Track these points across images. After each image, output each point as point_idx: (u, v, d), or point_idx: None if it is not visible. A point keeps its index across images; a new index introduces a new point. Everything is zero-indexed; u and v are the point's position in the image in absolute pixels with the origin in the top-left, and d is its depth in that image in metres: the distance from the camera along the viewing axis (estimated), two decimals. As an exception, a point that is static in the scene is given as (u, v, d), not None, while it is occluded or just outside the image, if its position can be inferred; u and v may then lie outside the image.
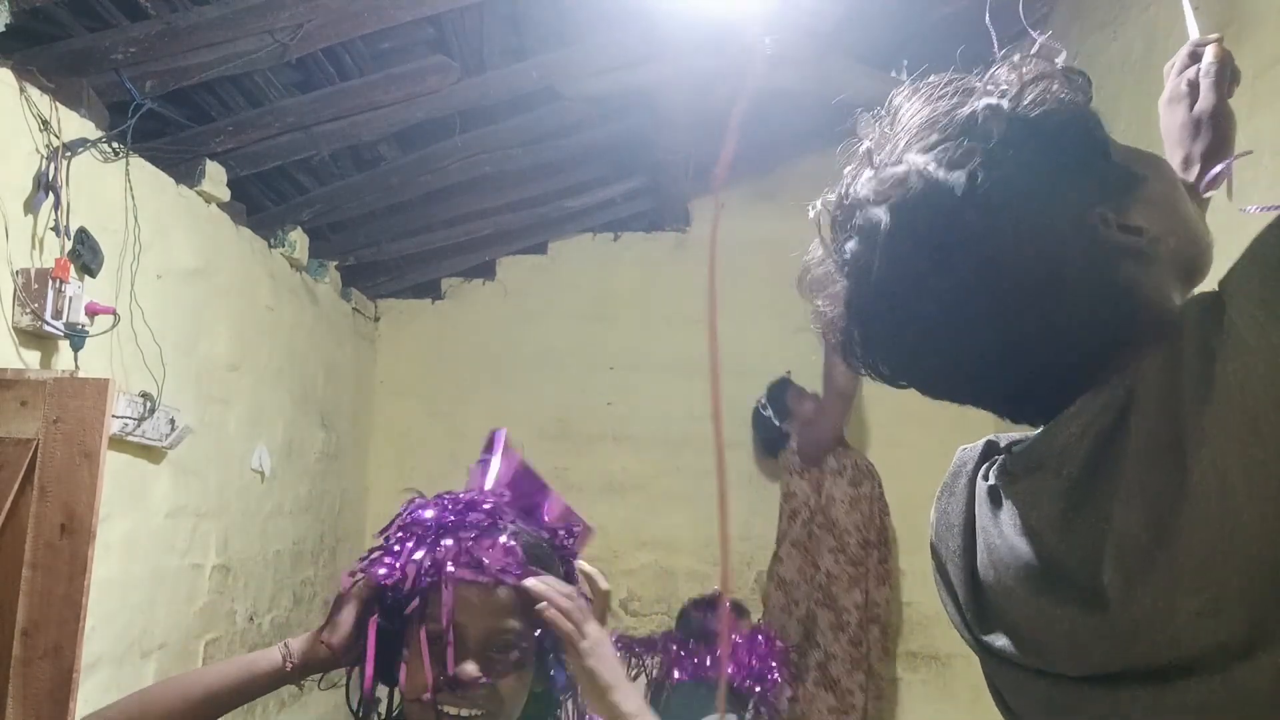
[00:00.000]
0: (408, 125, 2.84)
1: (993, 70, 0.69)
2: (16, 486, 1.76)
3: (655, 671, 2.58)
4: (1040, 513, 0.62)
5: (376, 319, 4.21)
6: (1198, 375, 0.53)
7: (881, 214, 0.67)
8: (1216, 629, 0.51)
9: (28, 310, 1.98)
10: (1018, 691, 0.68)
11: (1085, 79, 0.70)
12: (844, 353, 0.73)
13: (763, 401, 3.72)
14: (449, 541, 1.07)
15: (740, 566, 3.94)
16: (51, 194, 2.06)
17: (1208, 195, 0.78)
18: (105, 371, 2.21)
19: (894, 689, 3.84)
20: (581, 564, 1.18)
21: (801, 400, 3.64)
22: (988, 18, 0.80)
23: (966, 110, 0.66)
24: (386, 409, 4.16)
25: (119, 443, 2.26)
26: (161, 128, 2.48)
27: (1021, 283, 0.63)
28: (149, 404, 2.36)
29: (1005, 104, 0.66)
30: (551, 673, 1.04)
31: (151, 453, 2.47)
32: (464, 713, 0.94)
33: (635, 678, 2.47)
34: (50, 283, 1.99)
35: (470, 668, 0.95)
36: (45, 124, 2.07)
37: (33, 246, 2.04)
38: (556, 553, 1.15)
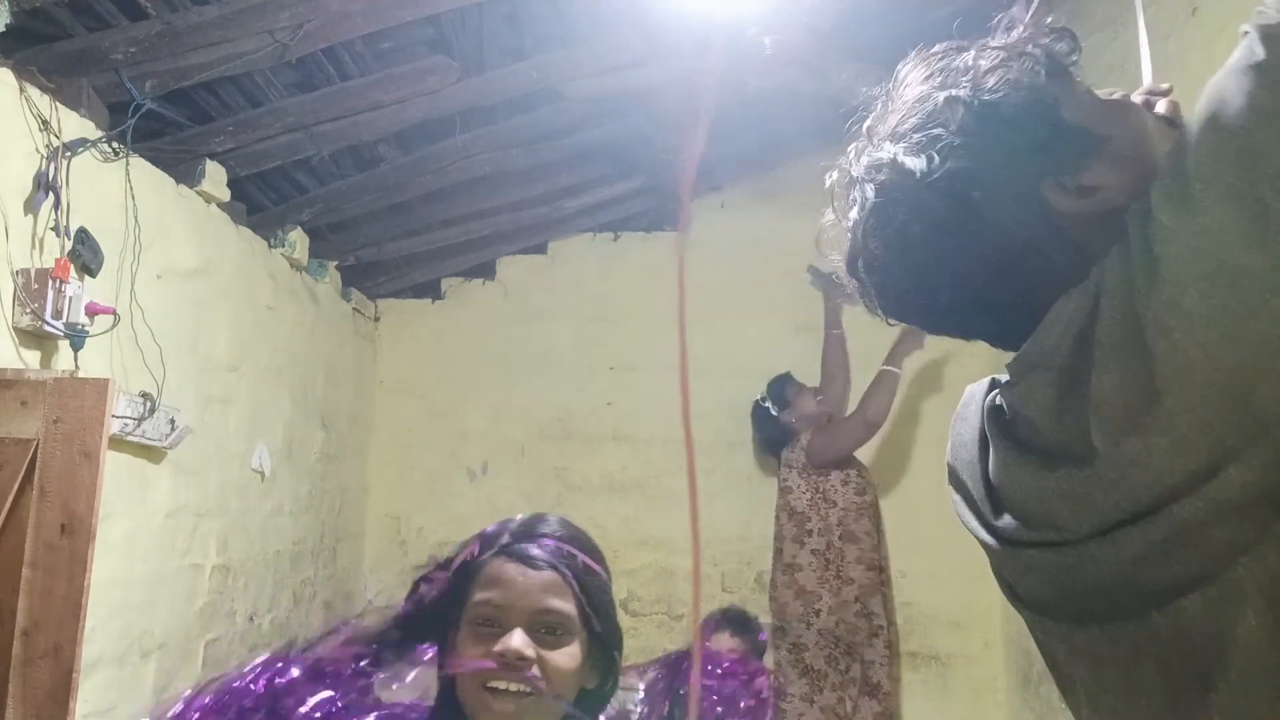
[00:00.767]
0: (408, 125, 2.84)
1: (969, 53, 0.77)
2: (16, 486, 1.76)
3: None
4: (1036, 404, 0.71)
5: (376, 319, 4.21)
6: (1142, 261, 0.64)
7: (870, 192, 0.78)
8: (1186, 459, 0.61)
9: (28, 310, 1.98)
10: (1027, 571, 0.76)
11: (1059, 44, 0.76)
12: (859, 298, 0.84)
13: (761, 395, 3.72)
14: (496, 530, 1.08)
15: (740, 566, 3.94)
16: (51, 194, 2.06)
17: None
18: (105, 371, 2.21)
19: (893, 689, 3.85)
20: None
21: (801, 394, 3.63)
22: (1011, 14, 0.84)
23: (934, 100, 0.74)
24: (386, 409, 4.16)
25: (119, 443, 2.26)
26: (161, 128, 2.48)
27: (983, 257, 0.73)
28: (149, 404, 2.36)
29: (964, 92, 0.73)
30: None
31: (151, 453, 2.47)
32: (512, 688, 0.93)
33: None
34: (50, 283, 1.99)
35: (517, 639, 0.94)
36: (45, 124, 2.07)
37: (33, 246, 2.04)
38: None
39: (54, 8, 2.01)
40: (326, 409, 3.63)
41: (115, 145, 2.28)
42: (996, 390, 0.83)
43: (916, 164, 0.73)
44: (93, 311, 2.14)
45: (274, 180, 3.02)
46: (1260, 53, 0.59)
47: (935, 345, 3.97)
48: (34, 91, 2.05)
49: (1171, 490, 0.62)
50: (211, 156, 2.65)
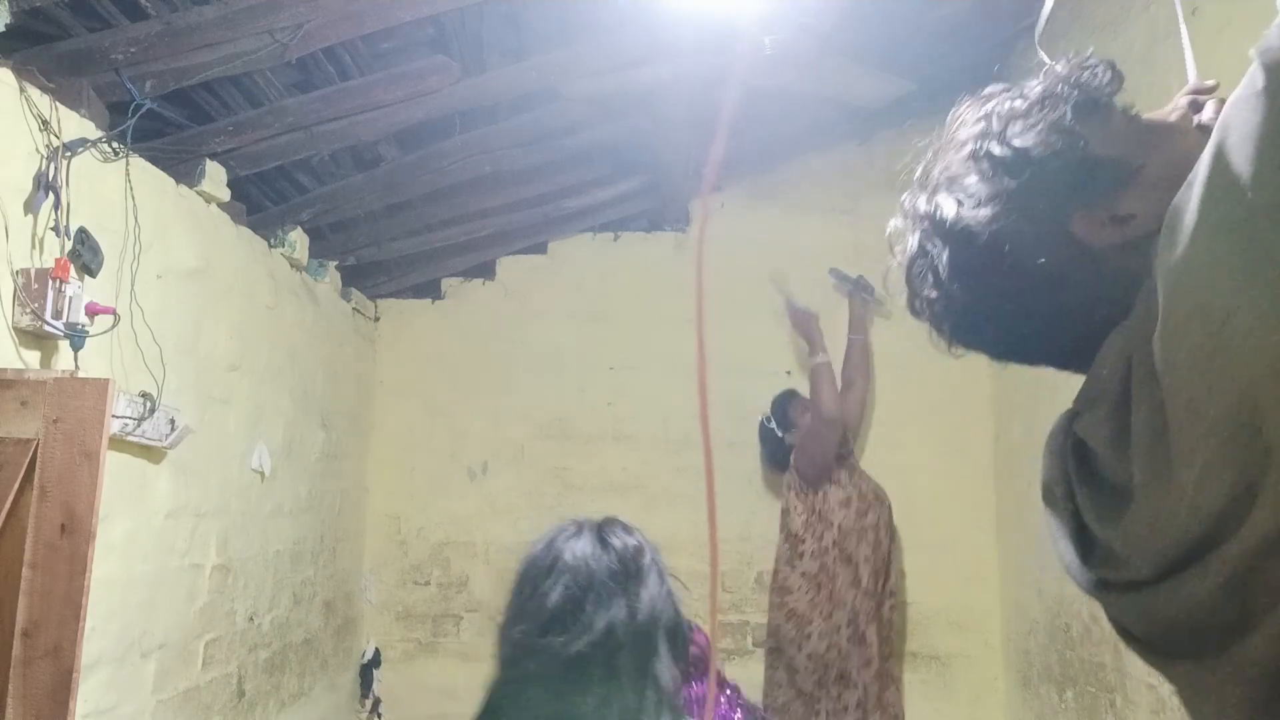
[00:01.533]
0: (408, 125, 2.84)
1: (1009, 99, 0.79)
2: (16, 486, 1.76)
3: None
4: (1099, 438, 0.73)
5: (376, 319, 4.21)
6: (1150, 296, 0.66)
7: (914, 241, 0.82)
8: (1216, 491, 0.60)
9: (28, 310, 1.98)
10: (1127, 612, 0.75)
11: (1097, 78, 0.79)
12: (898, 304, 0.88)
13: (767, 415, 3.70)
14: None
15: (740, 566, 3.95)
16: (51, 194, 2.06)
17: None
18: (105, 371, 2.21)
19: (893, 689, 3.84)
20: None
21: (804, 412, 3.60)
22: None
23: (969, 149, 0.79)
24: (386, 409, 4.17)
25: (119, 443, 2.26)
26: (161, 128, 2.48)
27: (1021, 299, 0.77)
28: (149, 404, 2.36)
29: (993, 143, 0.77)
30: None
31: (151, 453, 2.47)
32: None
33: None
34: (50, 283, 1.99)
35: None
36: (45, 124, 2.07)
37: (33, 246, 2.04)
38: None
39: (54, 8, 2.01)
40: (326, 409, 3.63)
41: (115, 145, 2.27)
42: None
43: (949, 213, 0.77)
44: (93, 311, 2.14)
45: (274, 180, 3.02)
46: (1260, 81, 0.59)
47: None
48: (34, 91, 2.05)
49: (1210, 531, 0.61)
50: (211, 156, 2.65)
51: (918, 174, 0.84)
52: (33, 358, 2.05)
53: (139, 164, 2.40)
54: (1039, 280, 0.75)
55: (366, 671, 4.04)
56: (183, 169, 2.60)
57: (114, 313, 2.22)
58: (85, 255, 2.14)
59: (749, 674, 3.60)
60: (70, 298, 2.04)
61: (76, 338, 2.08)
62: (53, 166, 2.06)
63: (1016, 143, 0.76)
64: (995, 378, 3.87)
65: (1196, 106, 0.82)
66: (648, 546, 1.53)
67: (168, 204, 2.54)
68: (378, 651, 4.06)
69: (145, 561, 2.46)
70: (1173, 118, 0.81)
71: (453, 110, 2.86)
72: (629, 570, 1.44)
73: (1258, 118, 0.58)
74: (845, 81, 2.83)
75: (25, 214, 2.02)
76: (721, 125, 0.84)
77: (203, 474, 2.73)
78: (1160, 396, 0.63)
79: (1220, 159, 0.60)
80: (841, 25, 2.60)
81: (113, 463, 2.12)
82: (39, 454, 1.78)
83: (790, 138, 3.83)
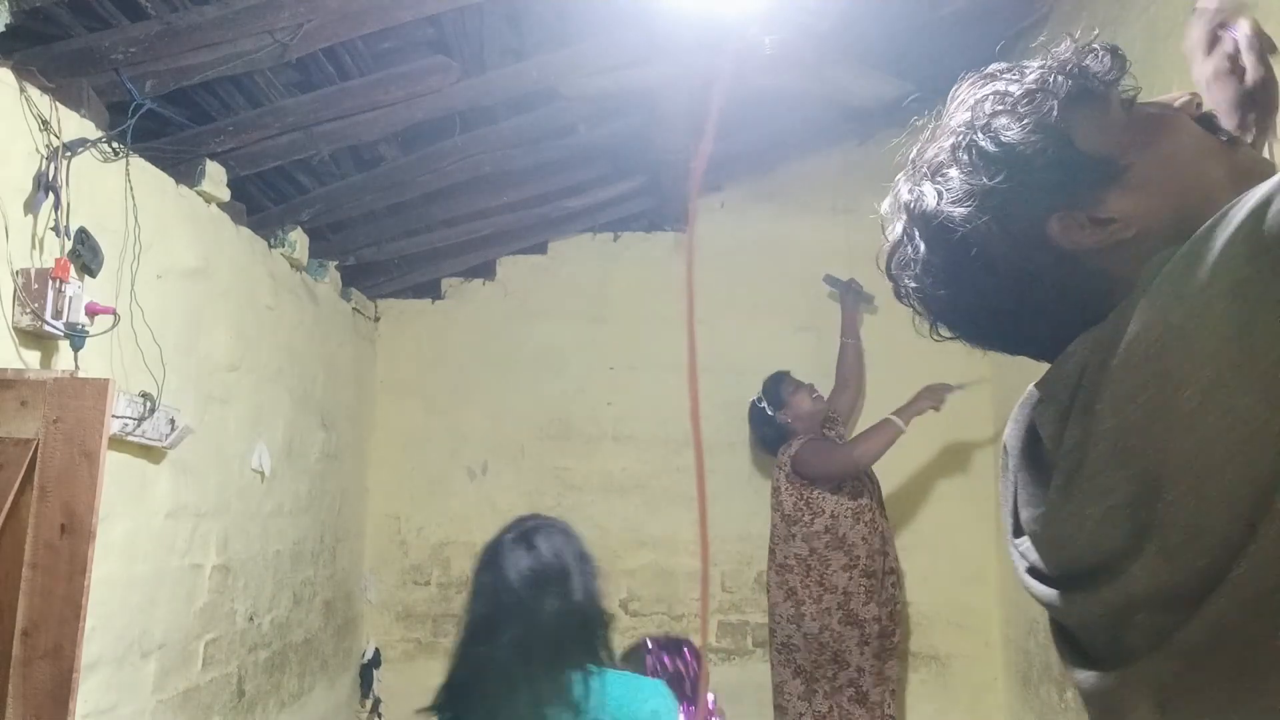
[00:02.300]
0: (408, 125, 2.84)
1: (1001, 84, 0.76)
2: (16, 486, 1.76)
3: None
4: (1045, 433, 0.72)
5: (376, 319, 4.21)
6: (1125, 322, 0.64)
7: (898, 228, 0.81)
8: (1114, 534, 0.62)
9: (28, 310, 1.98)
10: (1041, 596, 0.76)
11: (1099, 64, 0.75)
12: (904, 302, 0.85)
13: (758, 396, 3.72)
14: None
15: (740, 565, 3.95)
16: (51, 194, 2.05)
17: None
18: (105, 371, 2.21)
19: (894, 689, 3.85)
20: None
21: (797, 392, 3.63)
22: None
23: (956, 137, 0.76)
24: (386, 409, 4.17)
25: (119, 443, 2.26)
26: (161, 128, 2.48)
27: (993, 295, 0.76)
28: (149, 404, 2.36)
29: (978, 135, 0.74)
30: None
31: (151, 453, 2.47)
32: None
33: None
34: (50, 283, 1.99)
35: None
36: (45, 124, 2.07)
37: (33, 246, 2.04)
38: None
39: (54, 8, 2.01)
40: (326, 409, 3.63)
41: (115, 145, 2.27)
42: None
43: (929, 205, 0.76)
44: (93, 311, 2.14)
45: (274, 180, 3.02)
46: None
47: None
48: (34, 91, 2.05)
49: (1101, 565, 0.63)
50: (211, 156, 2.65)
51: (913, 153, 0.82)
52: (33, 358, 2.05)
53: (139, 164, 2.40)
54: (1011, 281, 0.74)
55: (366, 671, 4.04)
56: (183, 169, 2.60)
57: (114, 313, 2.22)
58: (85, 255, 2.14)
59: (748, 674, 3.61)
60: (70, 298, 2.04)
61: (76, 338, 2.08)
62: (53, 166, 2.06)
63: (999, 139, 0.73)
64: (995, 378, 3.87)
65: (1215, 38, 0.79)
66: (568, 552, 1.71)
67: (168, 204, 2.54)
68: (378, 651, 4.06)
69: (145, 561, 2.46)
70: (1176, 105, 0.77)
71: (453, 110, 2.85)
72: (542, 580, 1.67)
73: None
74: (845, 82, 2.83)
75: (25, 214, 2.02)
76: (710, 123, 0.84)
77: (203, 474, 2.73)
78: (1093, 427, 0.63)
79: (1253, 219, 0.57)
80: (841, 25, 2.60)
81: (113, 463, 2.12)
82: (39, 454, 1.78)
83: (790, 138, 3.83)
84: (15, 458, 1.77)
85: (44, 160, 2.05)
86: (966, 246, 0.74)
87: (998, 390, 3.85)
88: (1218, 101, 0.86)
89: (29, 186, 2.02)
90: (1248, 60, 0.83)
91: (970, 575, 3.89)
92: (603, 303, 4.13)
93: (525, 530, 1.76)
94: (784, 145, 3.92)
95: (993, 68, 0.79)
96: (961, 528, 3.87)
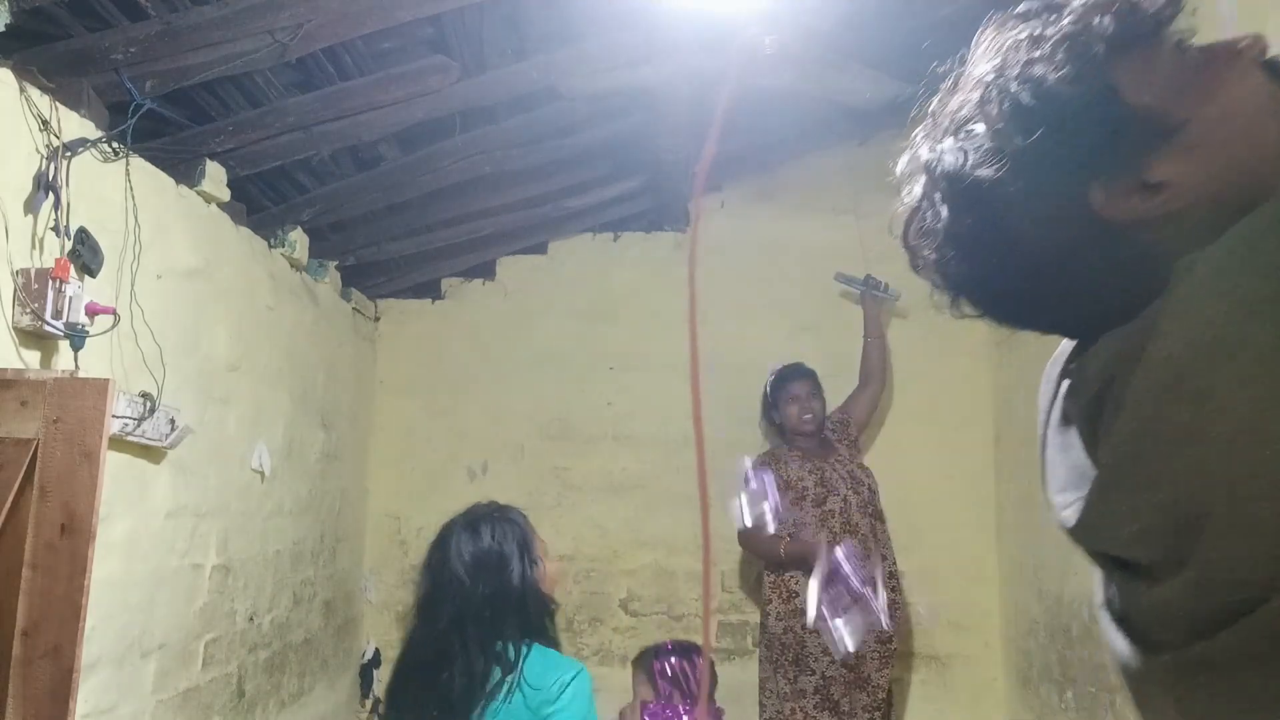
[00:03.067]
0: (408, 125, 2.84)
1: (1036, 24, 0.66)
2: (16, 486, 1.76)
3: None
4: (1077, 426, 0.67)
5: (376, 319, 4.21)
6: (1157, 321, 0.58)
7: (916, 190, 0.73)
8: (1149, 551, 0.59)
9: (28, 310, 1.98)
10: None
11: (1131, 4, 0.64)
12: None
13: (768, 380, 3.72)
14: None
15: (741, 565, 3.95)
16: (51, 194, 2.05)
17: None
18: (105, 371, 2.21)
19: (894, 689, 3.85)
20: None
21: (791, 403, 3.62)
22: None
23: (983, 87, 0.67)
24: (386, 409, 4.17)
25: (119, 443, 2.26)
26: (161, 128, 2.47)
27: (1030, 267, 0.66)
28: (149, 404, 2.36)
29: (1010, 83, 0.65)
30: None
31: (151, 453, 2.47)
32: None
33: None
34: (50, 283, 1.99)
35: None
36: (45, 124, 2.07)
37: (33, 246, 2.04)
38: None
39: (54, 8, 2.01)
40: (326, 409, 3.63)
41: (115, 145, 2.27)
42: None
43: (952, 166, 0.67)
44: (93, 311, 2.14)
45: (274, 180, 3.02)
46: None
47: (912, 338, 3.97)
48: (34, 91, 2.05)
49: (1139, 566, 0.61)
50: (211, 156, 2.65)
51: (932, 105, 0.72)
52: (33, 358, 2.05)
53: (139, 164, 2.40)
54: (1044, 255, 0.65)
55: (366, 671, 4.04)
56: (183, 169, 2.60)
57: (114, 313, 2.22)
58: (85, 255, 2.14)
59: (749, 674, 3.61)
60: (70, 298, 2.03)
61: (76, 338, 2.08)
62: (53, 166, 2.06)
63: (1034, 90, 0.63)
64: (995, 378, 3.87)
65: None
66: (512, 540, 1.89)
67: (168, 204, 2.54)
68: (378, 651, 4.06)
69: (145, 561, 2.46)
70: (1239, 48, 0.65)
71: (453, 110, 2.85)
72: (482, 564, 1.85)
73: None
74: (845, 82, 2.83)
75: (25, 214, 2.02)
76: (716, 124, 0.81)
77: (203, 474, 2.73)
78: (1121, 446, 0.60)
79: None
80: (842, 25, 2.60)
81: (113, 463, 2.12)
82: (39, 454, 1.78)
83: (790, 138, 3.83)
84: (15, 458, 1.77)
85: (44, 160, 2.05)
86: (995, 214, 0.65)
87: (998, 390, 3.85)
88: None
89: (29, 186, 2.02)
90: None
91: (970, 575, 3.89)
92: (603, 303, 4.13)
93: (475, 517, 1.96)
94: (784, 145, 3.92)
95: (1024, 6, 0.68)
96: (961, 528, 3.87)
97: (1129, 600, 0.63)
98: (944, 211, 0.68)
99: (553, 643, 1.88)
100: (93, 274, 2.19)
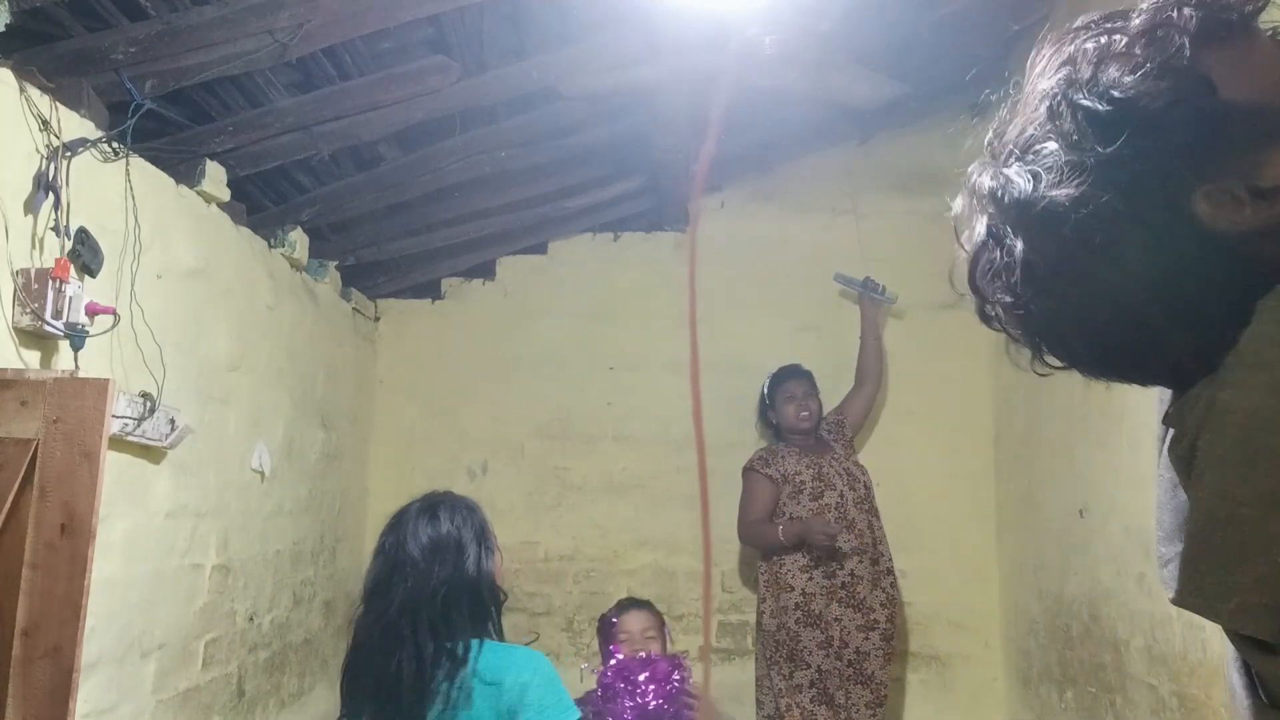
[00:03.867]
0: (408, 125, 2.84)
1: (1106, 31, 0.59)
2: (16, 486, 1.76)
3: None
4: (1166, 474, 0.61)
5: (376, 319, 4.21)
6: (1220, 399, 0.52)
7: (981, 227, 0.64)
8: (1256, 627, 0.53)
9: (28, 310, 1.98)
10: None
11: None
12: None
13: (766, 382, 3.74)
14: None
15: (741, 565, 3.95)
16: (51, 194, 2.05)
17: None
18: (105, 371, 2.21)
19: (894, 689, 3.85)
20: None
21: (787, 403, 3.64)
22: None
23: (1052, 101, 0.59)
24: (386, 409, 4.16)
25: (119, 443, 2.26)
26: (161, 128, 2.48)
27: (1125, 297, 0.57)
28: (149, 404, 2.36)
29: (1082, 93, 0.57)
30: None
31: (151, 453, 2.47)
32: None
33: None
34: (50, 283, 1.99)
35: None
36: (45, 124, 2.07)
37: (33, 246, 2.04)
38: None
39: (54, 8, 2.01)
40: (326, 409, 3.63)
41: (115, 145, 2.27)
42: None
43: (1022, 191, 0.59)
44: (93, 311, 2.14)
45: (274, 180, 3.02)
46: None
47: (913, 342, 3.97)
48: (34, 91, 2.05)
49: (1244, 637, 0.55)
50: (211, 156, 2.65)
51: (988, 137, 0.64)
52: (33, 358, 2.05)
53: (139, 164, 2.40)
54: (1141, 281, 0.56)
55: (366, 671, 4.04)
56: (183, 169, 2.60)
57: (114, 313, 2.22)
58: (85, 255, 2.14)
59: (749, 674, 3.61)
60: (70, 298, 2.03)
61: (76, 338, 2.08)
62: (53, 166, 2.06)
63: (1112, 94, 0.56)
64: (995, 378, 3.87)
65: None
66: (469, 527, 1.88)
67: (168, 204, 2.54)
68: (378, 651, 4.05)
69: (145, 561, 2.46)
70: None
71: (453, 110, 2.86)
72: (438, 548, 1.84)
73: None
74: (844, 82, 2.83)
75: (25, 214, 2.02)
76: (715, 124, 0.79)
77: (203, 474, 2.73)
78: (1212, 508, 0.54)
79: None
80: (842, 25, 2.60)
81: (113, 463, 2.12)
82: (39, 454, 1.78)
83: (790, 138, 3.83)
84: (15, 458, 1.77)
85: (44, 160, 2.05)
86: (1082, 237, 0.56)
87: (998, 390, 3.85)
88: None
89: (29, 186, 2.02)
90: None
91: (970, 575, 3.89)
92: (603, 303, 4.13)
93: (432, 502, 1.95)
94: (784, 145, 3.92)
95: (1081, 21, 0.61)
96: (961, 528, 3.87)
97: (1253, 658, 0.57)
98: (1018, 245, 0.59)
99: (500, 634, 1.86)
100: (93, 274, 2.19)
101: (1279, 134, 0.55)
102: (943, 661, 3.89)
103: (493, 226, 3.75)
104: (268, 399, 3.15)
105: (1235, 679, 0.60)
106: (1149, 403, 0.68)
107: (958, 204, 0.66)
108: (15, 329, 1.99)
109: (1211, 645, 2.22)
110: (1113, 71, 0.56)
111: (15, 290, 1.98)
